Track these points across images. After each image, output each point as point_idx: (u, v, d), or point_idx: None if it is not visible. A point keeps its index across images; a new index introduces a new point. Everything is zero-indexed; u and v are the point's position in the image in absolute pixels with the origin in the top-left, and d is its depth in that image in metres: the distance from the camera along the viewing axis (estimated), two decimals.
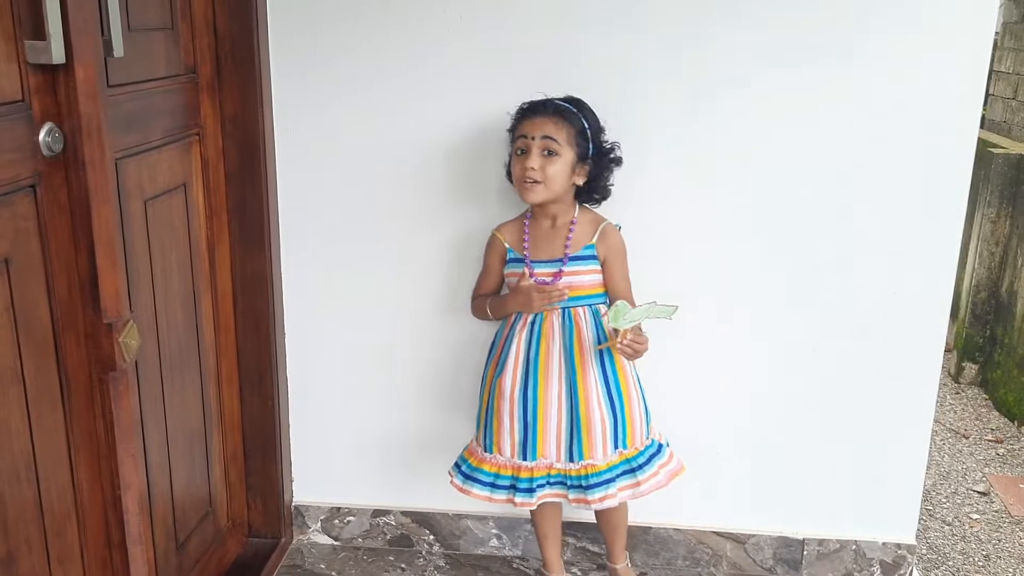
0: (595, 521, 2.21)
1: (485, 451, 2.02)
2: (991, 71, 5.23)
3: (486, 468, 2.01)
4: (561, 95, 1.95)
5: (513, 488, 1.99)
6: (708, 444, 2.24)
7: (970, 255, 3.85)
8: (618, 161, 1.98)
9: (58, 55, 1.35)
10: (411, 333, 2.24)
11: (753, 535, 2.31)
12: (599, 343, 1.95)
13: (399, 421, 2.31)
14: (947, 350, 3.94)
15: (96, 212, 1.46)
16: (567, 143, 1.88)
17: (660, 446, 2.05)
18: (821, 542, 2.29)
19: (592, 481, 1.95)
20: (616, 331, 1.86)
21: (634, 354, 1.89)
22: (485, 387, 2.05)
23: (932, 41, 1.96)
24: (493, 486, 2.00)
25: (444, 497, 2.32)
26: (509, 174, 1.98)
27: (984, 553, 2.62)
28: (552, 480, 2.00)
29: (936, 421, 3.47)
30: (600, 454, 1.95)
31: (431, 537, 2.38)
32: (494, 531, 2.36)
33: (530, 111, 1.92)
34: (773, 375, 2.20)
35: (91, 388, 1.54)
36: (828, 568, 2.31)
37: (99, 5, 1.46)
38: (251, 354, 2.17)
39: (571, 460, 1.97)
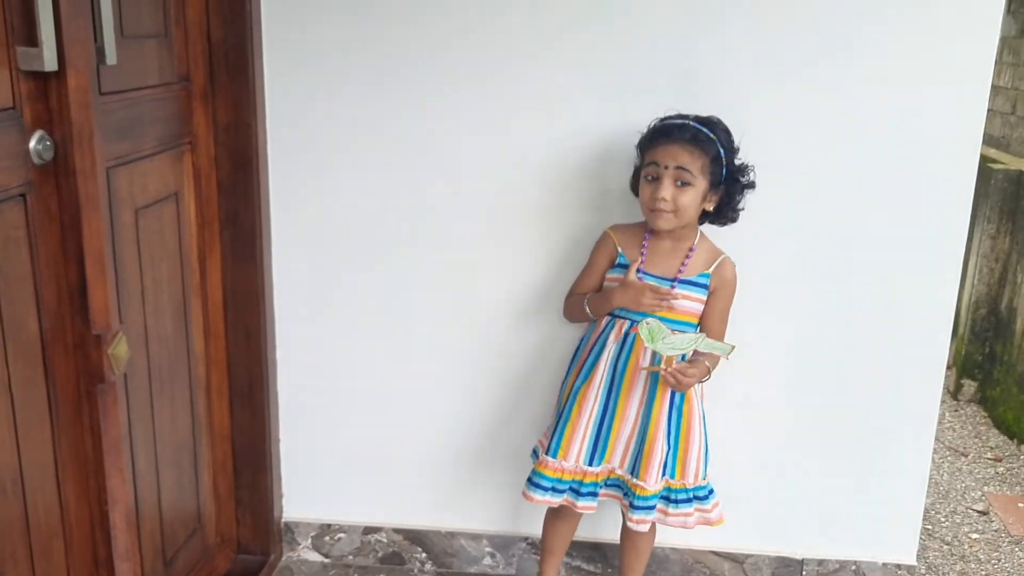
0: (589, 539, 2.18)
1: (547, 454, 1.97)
2: (991, 86, 5.23)
3: (548, 473, 1.96)
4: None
5: (574, 491, 1.97)
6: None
7: (969, 271, 3.83)
8: (751, 186, 1.92)
9: (50, 62, 1.34)
10: (404, 347, 2.21)
11: (751, 555, 2.28)
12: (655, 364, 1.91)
13: (391, 436, 2.27)
14: (946, 367, 3.93)
15: (86, 221, 1.44)
16: (701, 173, 1.82)
17: (710, 492, 2.01)
18: (820, 562, 2.26)
19: (638, 503, 1.92)
20: (660, 355, 1.84)
21: (676, 384, 1.85)
22: (566, 391, 2.01)
23: (933, 58, 1.94)
24: (554, 490, 1.97)
25: (436, 514, 2.30)
26: (634, 187, 1.94)
27: (984, 573, 2.59)
28: (610, 483, 1.99)
29: (935, 439, 3.43)
30: (653, 480, 1.92)
31: (423, 555, 2.34)
32: (488, 549, 2.33)
33: (663, 135, 1.84)
34: (771, 394, 2.17)
35: (79, 400, 1.51)
36: None
37: (92, 12, 1.44)
38: (242, 367, 2.14)
39: (631, 473, 1.95)
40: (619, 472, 1.97)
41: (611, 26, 1.96)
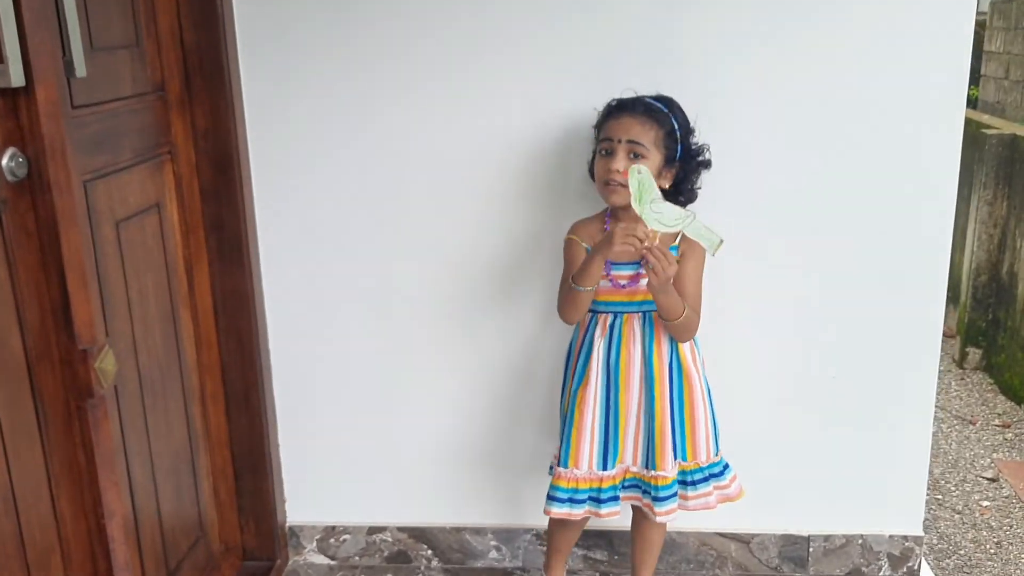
0: (598, 528, 2.17)
1: (560, 465, 1.94)
2: (982, 52, 5.20)
3: (562, 484, 1.92)
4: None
5: (595, 500, 1.93)
6: None
7: (968, 238, 3.80)
8: (707, 164, 1.90)
9: (17, 78, 1.33)
10: (399, 344, 2.20)
11: (757, 534, 2.27)
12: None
13: (391, 435, 2.27)
14: (950, 336, 3.92)
15: (65, 236, 1.43)
16: (654, 145, 1.80)
17: (725, 467, 1.99)
18: (827, 538, 2.25)
19: (662, 494, 1.89)
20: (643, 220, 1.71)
21: (654, 265, 1.72)
22: (566, 398, 1.98)
23: (915, 21, 1.93)
24: (572, 501, 1.93)
25: (440, 511, 2.29)
26: (591, 171, 1.91)
27: (995, 540, 2.58)
28: (627, 484, 1.96)
29: (942, 408, 3.42)
30: (669, 465, 1.89)
31: (429, 552, 2.34)
32: (493, 543, 2.32)
33: (618, 110, 1.83)
34: (769, 370, 2.16)
35: (69, 417, 1.51)
36: (835, 564, 2.27)
37: (59, 24, 1.43)
38: (236, 372, 2.13)
39: (646, 467, 1.92)
40: (634, 470, 1.94)
41: (583, 13, 1.95)
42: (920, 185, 2.02)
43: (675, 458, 1.92)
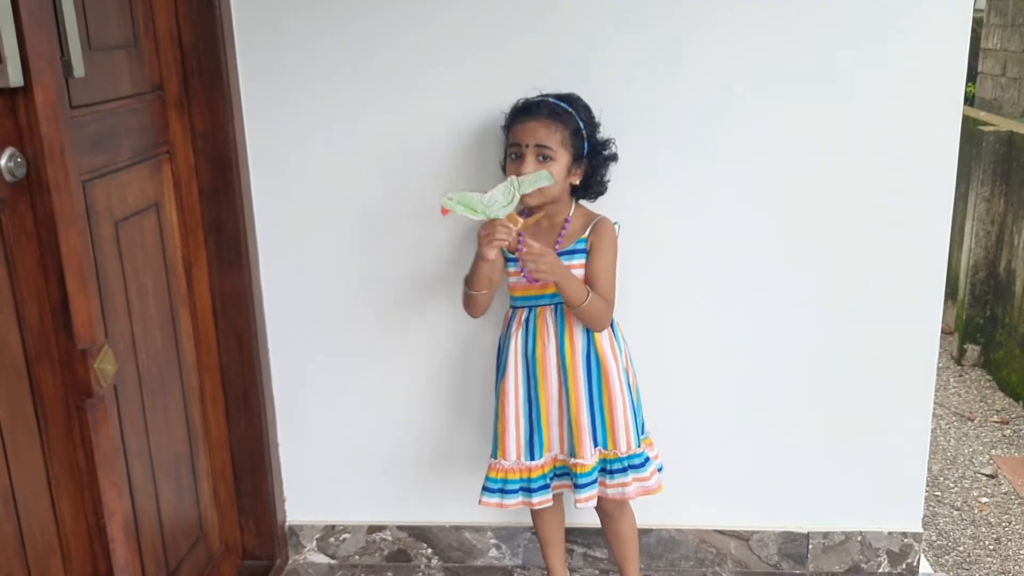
0: (599, 526, 2.17)
1: (491, 456, 1.99)
2: (979, 49, 5.20)
3: (492, 475, 1.97)
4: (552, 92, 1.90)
5: (526, 491, 1.97)
6: (706, 441, 2.21)
7: (966, 235, 3.81)
8: (613, 158, 1.94)
9: (15, 78, 1.33)
10: (399, 342, 2.20)
11: (757, 531, 2.27)
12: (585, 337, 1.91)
13: (390, 434, 2.27)
14: (948, 332, 3.92)
15: (63, 236, 1.43)
16: (561, 146, 1.83)
17: (646, 460, 1.99)
18: (826, 535, 2.26)
19: (581, 481, 1.93)
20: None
21: (523, 259, 1.78)
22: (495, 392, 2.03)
23: (912, 17, 1.93)
24: (503, 492, 1.97)
25: (440, 509, 2.30)
26: (504, 172, 1.94)
27: (995, 536, 2.59)
28: (558, 472, 1.99)
29: (941, 405, 3.43)
30: (588, 454, 1.92)
31: (429, 551, 2.34)
32: (493, 541, 2.32)
33: (523, 113, 1.86)
34: (768, 368, 2.16)
35: (68, 417, 1.51)
36: (835, 560, 2.27)
37: (57, 25, 1.43)
38: (235, 372, 2.14)
39: (571, 455, 1.95)
40: (561, 457, 1.98)
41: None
42: (918, 182, 2.02)
43: (595, 446, 1.94)
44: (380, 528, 2.33)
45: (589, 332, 1.92)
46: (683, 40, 1.97)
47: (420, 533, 2.32)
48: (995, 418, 3.35)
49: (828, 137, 2.00)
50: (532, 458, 1.96)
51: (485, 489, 1.98)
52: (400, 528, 2.32)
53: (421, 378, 2.23)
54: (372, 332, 2.20)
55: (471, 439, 2.25)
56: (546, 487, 1.97)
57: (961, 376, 3.73)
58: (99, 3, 1.65)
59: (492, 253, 1.81)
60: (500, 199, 1.76)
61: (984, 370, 3.76)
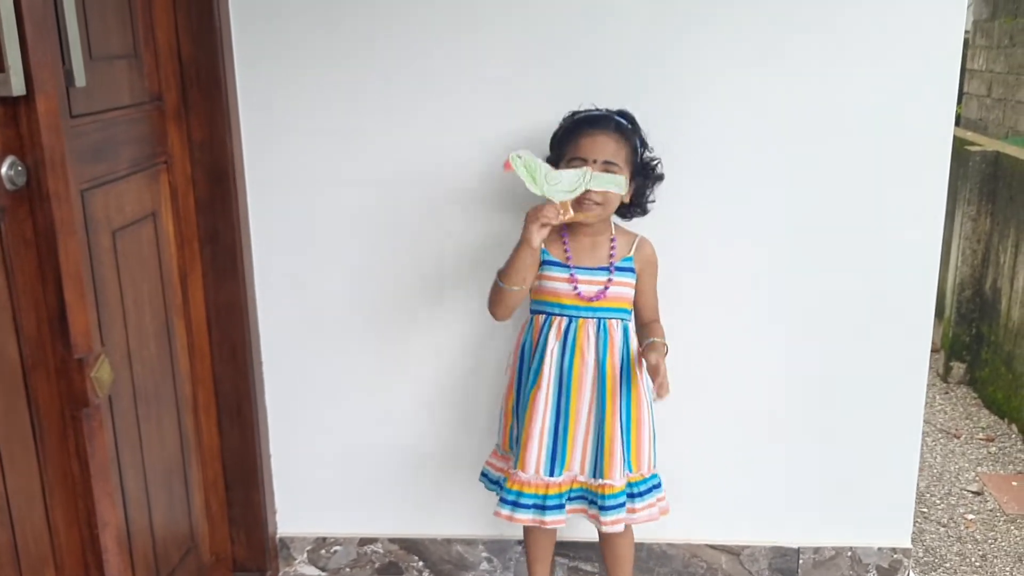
0: (587, 540, 2.18)
1: (511, 467, 1.94)
2: (965, 70, 5.27)
3: (509, 486, 1.92)
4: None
5: (540, 508, 1.91)
6: (698, 457, 2.22)
7: (953, 254, 3.85)
8: (660, 178, 1.93)
9: (18, 87, 1.33)
10: (392, 355, 2.21)
11: (747, 546, 2.28)
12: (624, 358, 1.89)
13: (382, 446, 2.27)
14: (934, 350, 3.94)
15: (62, 245, 1.43)
16: (626, 163, 1.82)
17: (659, 481, 1.99)
18: (816, 550, 2.27)
19: (608, 503, 1.89)
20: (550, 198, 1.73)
21: (662, 384, 1.78)
22: (508, 393, 1.98)
23: (903, 40, 1.96)
24: (515, 505, 1.91)
25: (432, 522, 2.30)
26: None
27: (981, 553, 2.60)
28: (574, 495, 1.94)
29: (927, 422, 3.45)
30: (618, 476, 1.89)
31: (420, 564, 2.33)
32: (484, 555, 2.32)
33: (589, 125, 1.83)
34: (759, 385, 2.18)
35: (64, 426, 1.50)
36: (825, 575, 2.29)
37: (59, 35, 1.43)
38: (228, 383, 2.13)
39: (593, 476, 1.92)
40: (581, 479, 1.93)
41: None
42: (909, 201, 2.04)
43: (623, 469, 1.92)
44: (371, 540, 2.32)
45: (627, 351, 1.89)
46: (680, 78, 1.99)
47: (411, 546, 2.32)
48: (981, 435, 3.37)
49: (819, 155, 2.03)
50: (552, 474, 1.91)
51: (503, 501, 1.92)
52: (391, 540, 2.32)
53: (413, 391, 2.23)
54: (365, 345, 2.20)
55: (465, 452, 2.25)
56: (560, 507, 1.92)
57: (947, 393, 3.76)
58: (101, 14, 1.65)
59: (537, 237, 1.75)
60: (566, 183, 1.72)
61: (970, 387, 3.79)
